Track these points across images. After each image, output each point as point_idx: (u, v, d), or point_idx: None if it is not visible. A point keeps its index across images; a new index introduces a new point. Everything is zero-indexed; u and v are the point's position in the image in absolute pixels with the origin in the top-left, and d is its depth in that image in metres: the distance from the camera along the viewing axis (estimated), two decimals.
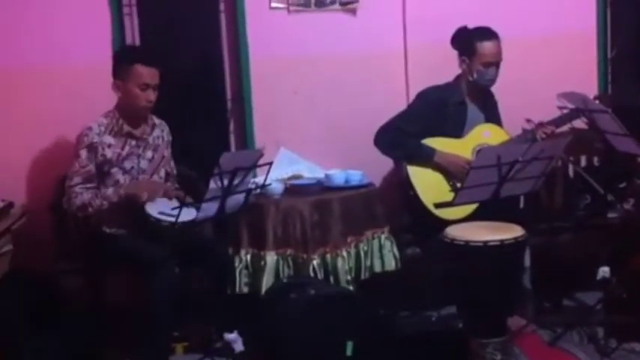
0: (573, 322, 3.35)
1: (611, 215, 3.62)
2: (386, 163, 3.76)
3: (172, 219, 2.99)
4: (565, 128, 3.58)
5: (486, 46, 3.51)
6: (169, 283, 3.04)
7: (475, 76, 3.56)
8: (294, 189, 3.62)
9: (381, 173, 3.93)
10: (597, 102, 3.38)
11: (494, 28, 3.56)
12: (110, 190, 3.16)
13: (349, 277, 3.46)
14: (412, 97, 3.77)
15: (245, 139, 4.01)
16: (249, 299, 3.42)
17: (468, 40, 3.55)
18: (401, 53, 4.06)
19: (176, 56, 3.96)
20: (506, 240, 2.93)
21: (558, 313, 3.58)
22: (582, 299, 3.69)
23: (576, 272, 3.52)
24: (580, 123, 3.53)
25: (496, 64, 3.54)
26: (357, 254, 3.52)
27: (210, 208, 3.02)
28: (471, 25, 3.57)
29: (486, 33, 3.54)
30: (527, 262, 3.45)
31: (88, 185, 3.15)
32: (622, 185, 3.57)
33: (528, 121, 3.53)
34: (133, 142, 3.27)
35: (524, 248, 3.15)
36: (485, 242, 2.92)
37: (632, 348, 3.20)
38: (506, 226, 3.04)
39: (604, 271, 3.09)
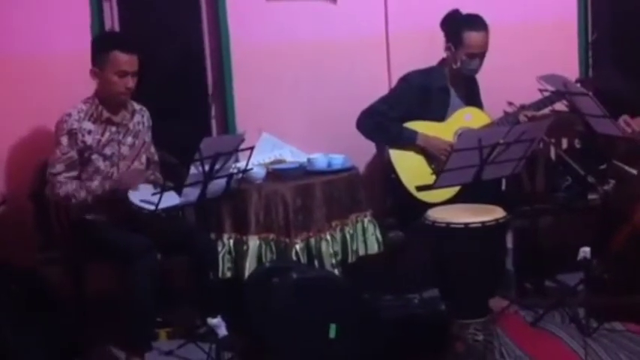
0: (555, 303, 3.38)
1: (591, 197, 3.63)
2: (368, 147, 3.76)
3: (154, 206, 2.98)
4: (546, 110, 3.60)
5: (473, 38, 3.50)
6: (151, 271, 3.03)
7: (459, 64, 3.56)
8: (277, 173, 3.60)
9: (364, 157, 3.92)
10: (579, 85, 3.39)
11: (476, 13, 3.55)
12: (95, 184, 3.14)
13: (334, 261, 3.45)
14: (394, 82, 3.77)
15: (227, 124, 4.00)
16: (233, 284, 3.41)
17: (456, 28, 3.53)
18: (382, 39, 4.05)
19: (157, 42, 3.92)
20: (487, 222, 2.93)
21: (540, 294, 3.62)
22: (564, 280, 3.73)
23: (558, 253, 3.54)
24: (561, 105, 3.55)
25: (481, 55, 3.54)
26: (343, 238, 3.51)
27: (191, 194, 3.01)
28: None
29: (475, 23, 3.52)
30: (509, 244, 3.47)
31: (72, 173, 3.14)
32: (602, 167, 3.59)
33: (510, 104, 3.54)
34: (113, 129, 3.25)
35: (505, 230, 3.16)
36: (467, 224, 2.92)
37: (612, 327, 3.23)
38: (487, 208, 3.04)
39: (584, 251, 3.10)
